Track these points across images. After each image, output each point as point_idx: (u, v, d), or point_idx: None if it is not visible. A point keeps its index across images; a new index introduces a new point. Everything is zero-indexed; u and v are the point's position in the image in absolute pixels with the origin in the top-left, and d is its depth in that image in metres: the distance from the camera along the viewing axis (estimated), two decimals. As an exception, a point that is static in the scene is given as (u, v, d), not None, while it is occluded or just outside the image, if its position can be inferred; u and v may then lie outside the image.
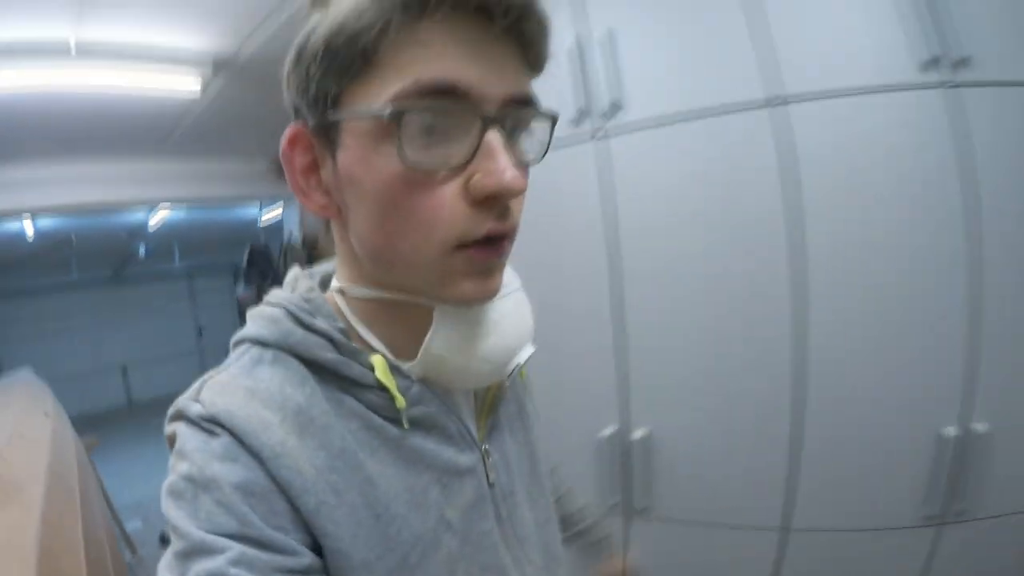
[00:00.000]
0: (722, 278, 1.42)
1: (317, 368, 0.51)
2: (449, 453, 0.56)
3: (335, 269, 0.59)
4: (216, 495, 0.43)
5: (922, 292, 1.32)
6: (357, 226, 0.49)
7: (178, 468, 0.45)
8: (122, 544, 2.70)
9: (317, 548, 0.46)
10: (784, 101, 1.34)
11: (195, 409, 0.47)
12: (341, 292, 0.56)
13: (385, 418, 0.52)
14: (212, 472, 0.44)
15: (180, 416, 0.48)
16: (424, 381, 0.54)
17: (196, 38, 2.04)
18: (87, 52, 1.98)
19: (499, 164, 0.43)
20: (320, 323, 0.52)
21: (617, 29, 1.46)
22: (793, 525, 1.42)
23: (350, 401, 0.51)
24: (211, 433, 0.46)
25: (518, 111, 0.46)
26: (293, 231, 4.73)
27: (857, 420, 1.36)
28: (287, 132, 0.49)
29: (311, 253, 4.23)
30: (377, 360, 0.52)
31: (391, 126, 0.43)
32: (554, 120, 0.50)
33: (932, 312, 1.32)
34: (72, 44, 1.97)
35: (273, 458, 0.45)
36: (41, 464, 1.70)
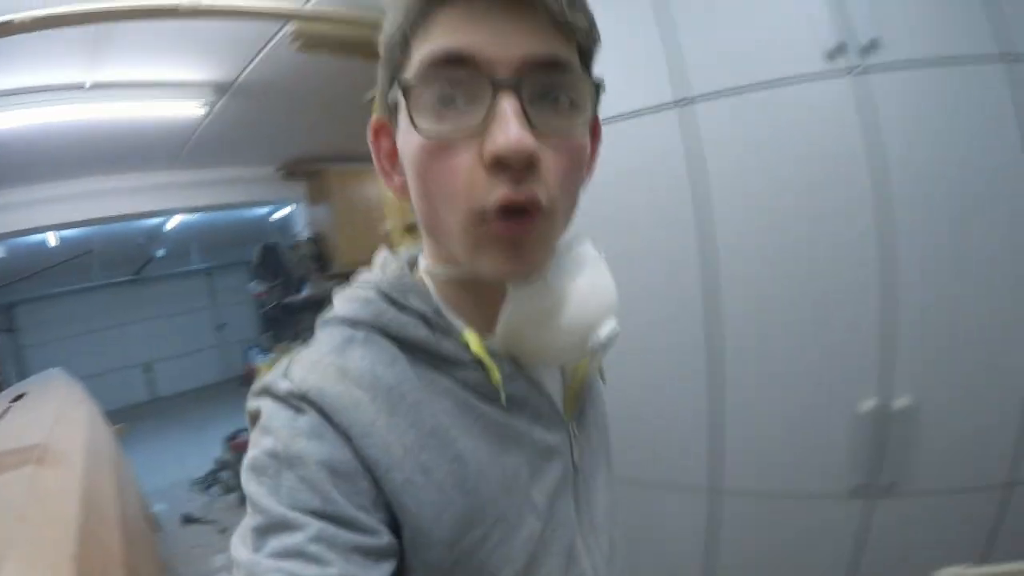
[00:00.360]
0: (639, 264, 1.52)
1: (409, 347, 0.51)
2: (539, 432, 0.56)
3: (421, 251, 0.59)
4: (300, 471, 0.43)
5: (835, 273, 1.37)
6: (413, 199, 0.51)
7: (262, 443, 0.45)
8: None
9: (396, 528, 0.46)
10: (691, 101, 1.42)
11: (283, 386, 0.47)
12: (428, 272, 0.57)
13: (479, 395, 0.52)
14: (298, 448, 0.44)
15: (266, 392, 0.48)
16: (511, 359, 0.54)
17: (197, 70, 2.31)
18: (101, 88, 2.25)
19: (504, 127, 0.42)
20: (413, 302, 0.52)
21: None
22: (725, 487, 1.52)
23: (444, 380, 0.52)
24: (298, 410, 0.46)
25: (541, 75, 0.44)
26: (302, 230, 4.94)
27: (776, 396, 1.45)
28: (372, 122, 0.54)
29: (319, 250, 4.46)
30: (471, 337, 0.52)
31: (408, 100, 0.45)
32: (596, 86, 0.48)
33: (846, 292, 1.37)
34: (87, 83, 2.23)
35: (362, 436, 0.45)
36: (81, 440, 1.97)
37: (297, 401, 0.46)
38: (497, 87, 0.43)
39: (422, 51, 0.45)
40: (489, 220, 0.45)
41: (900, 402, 1.36)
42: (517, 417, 0.54)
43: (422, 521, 0.47)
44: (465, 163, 0.45)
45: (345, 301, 0.55)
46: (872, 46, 1.30)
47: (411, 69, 0.46)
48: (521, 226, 0.46)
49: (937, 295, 1.34)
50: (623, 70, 1.46)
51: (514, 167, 0.43)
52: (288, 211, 5.61)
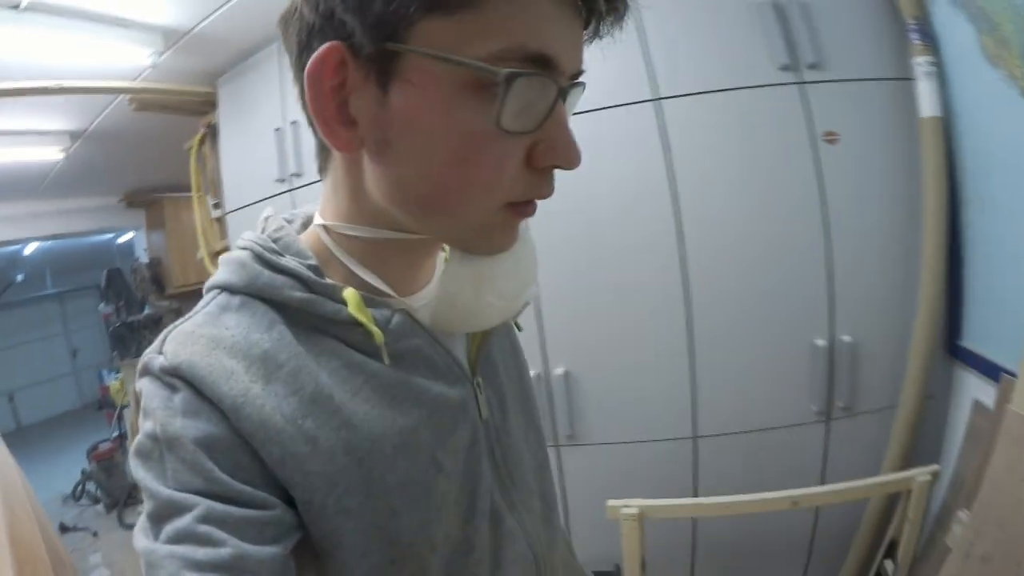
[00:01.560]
0: (621, 243, 1.61)
1: (287, 310, 0.48)
2: (438, 387, 0.52)
3: (319, 207, 0.54)
4: (180, 453, 0.41)
5: (786, 233, 1.54)
6: (401, 169, 0.44)
7: (143, 427, 0.44)
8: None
9: (290, 499, 0.44)
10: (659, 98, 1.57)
11: (158, 362, 0.44)
12: (325, 229, 0.51)
13: (366, 354, 0.49)
14: (174, 429, 0.42)
15: (145, 371, 0.45)
16: (408, 313, 0.51)
17: (57, 121, 3.12)
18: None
19: (568, 138, 0.43)
20: (287, 262, 0.48)
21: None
22: (699, 433, 1.64)
23: (327, 340, 0.48)
24: (173, 388, 0.43)
25: (575, 85, 0.46)
26: (142, 254, 5.11)
27: (742, 338, 1.58)
28: (321, 50, 0.41)
29: (155, 272, 4.61)
30: (350, 295, 0.48)
31: (491, 85, 0.39)
32: (582, 89, 0.48)
33: (794, 248, 1.54)
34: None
35: (236, 409, 0.42)
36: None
37: (170, 378, 0.43)
38: (561, 94, 0.43)
39: (511, 31, 0.39)
40: (516, 206, 0.46)
41: (844, 338, 1.54)
42: (412, 374, 0.51)
43: (313, 494, 0.44)
44: (515, 158, 0.43)
45: (223, 265, 0.50)
46: (816, 66, 1.52)
47: (484, 38, 0.39)
48: (533, 211, 0.47)
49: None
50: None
51: (567, 171, 0.45)
52: (131, 236, 5.87)
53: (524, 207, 0.46)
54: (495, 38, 0.39)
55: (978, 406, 1.40)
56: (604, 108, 1.60)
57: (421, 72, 0.41)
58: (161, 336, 0.47)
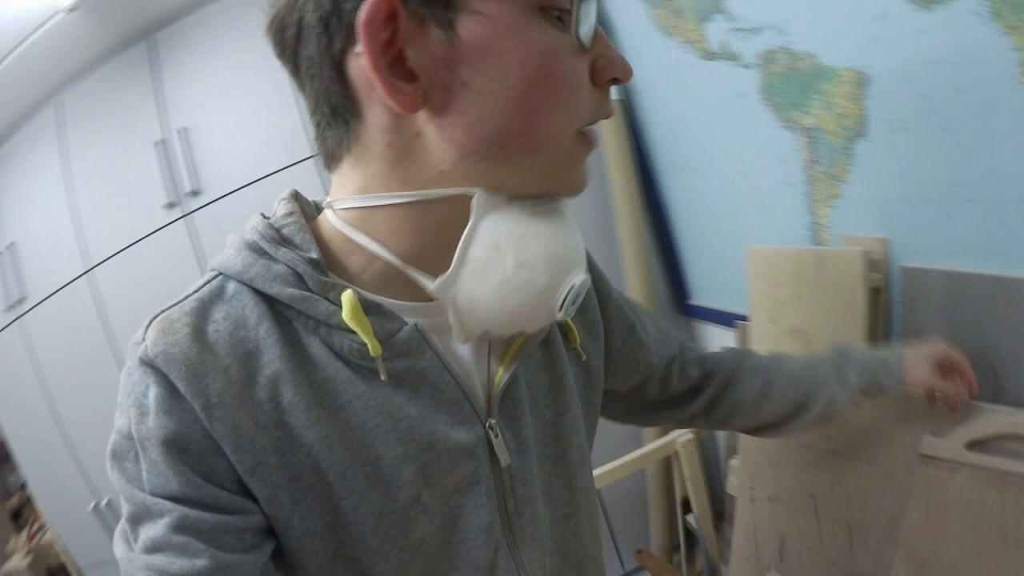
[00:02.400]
0: None
1: (277, 305, 0.44)
2: (439, 423, 0.46)
3: (331, 195, 0.48)
4: (153, 454, 0.39)
5: None
6: (479, 107, 0.40)
7: (117, 423, 0.42)
8: None
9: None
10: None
11: (139, 350, 0.41)
12: (344, 211, 0.46)
13: (359, 368, 0.44)
14: (147, 428, 0.40)
15: (129, 358, 0.43)
16: (419, 328, 0.46)
17: None
18: None
19: (618, 52, 0.43)
20: (284, 253, 0.44)
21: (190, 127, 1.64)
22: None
23: (316, 346, 0.44)
24: (148, 382, 0.41)
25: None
26: None
27: None
28: (371, 2, 0.37)
29: None
30: (347, 298, 0.43)
31: (552, 7, 0.39)
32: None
33: None
34: None
35: (207, 408, 0.40)
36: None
37: (146, 369, 0.41)
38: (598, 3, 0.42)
39: None
40: (583, 134, 0.44)
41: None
42: (410, 400, 0.45)
43: (279, 510, 0.42)
44: (585, 75, 0.42)
45: (228, 246, 0.47)
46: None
47: None
48: (595, 142, 0.46)
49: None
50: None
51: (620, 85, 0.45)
52: None
53: (589, 138, 0.44)
54: None
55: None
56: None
57: (487, 1, 0.39)
58: (149, 318, 0.43)
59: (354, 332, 0.43)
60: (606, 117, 0.45)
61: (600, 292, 0.64)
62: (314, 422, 0.42)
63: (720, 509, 1.43)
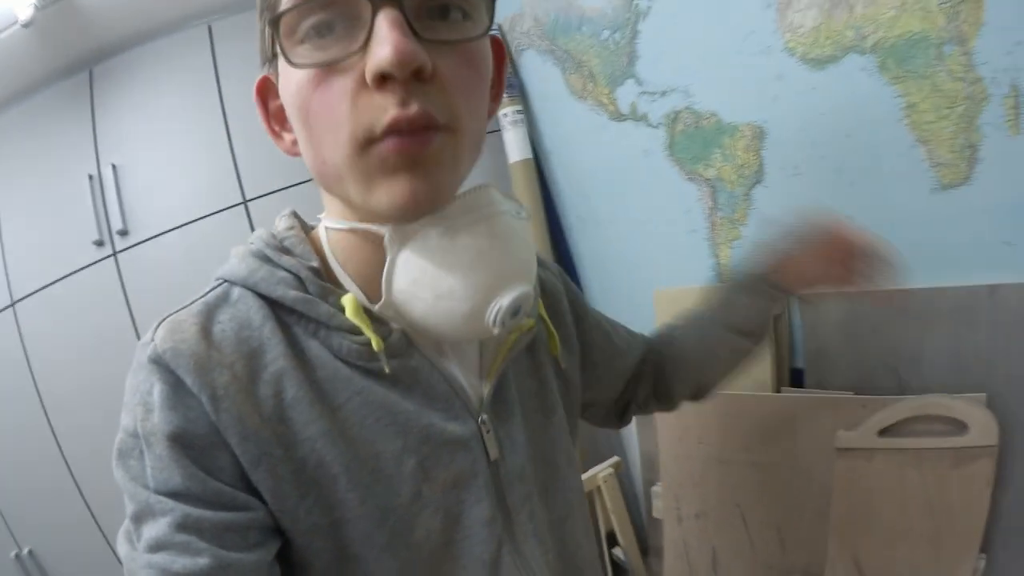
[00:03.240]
0: None
1: (282, 310, 0.47)
2: (434, 417, 0.49)
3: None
4: (158, 449, 0.40)
5: None
6: (302, 152, 0.46)
7: (123, 423, 0.43)
8: None
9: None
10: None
11: (148, 350, 0.43)
12: (326, 229, 0.51)
13: (359, 368, 0.47)
14: (152, 424, 0.41)
15: (135, 359, 0.44)
16: (403, 333, 0.48)
17: None
18: None
19: (383, 42, 0.37)
20: (287, 260, 0.48)
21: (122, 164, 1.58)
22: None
23: (318, 347, 0.46)
24: (154, 379, 0.42)
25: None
26: None
27: None
28: (256, 83, 0.48)
29: None
30: (348, 300, 0.46)
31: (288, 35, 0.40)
32: None
33: None
34: None
35: (214, 400, 0.41)
36: None
37: (153, 367, 0.42)
38: (376, 5, 0.38)
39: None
40: (378, 144, 0.40)
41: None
42: (406, 397, 0.48)
43: (285, 502, 0.43)
44: (348, 88, 0.39)
45: (232, 256, 0.50)
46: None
47: (283, 3, 0.40)
48: (416, 142, 0.40)
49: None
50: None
51: (400, 79, 0.38)
52: None
53: (394, 140, 0.40)
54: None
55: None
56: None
57: (279, 64, 0.44)
58: (157, 322, 0.45)
59: (351, 334, 0.46)
60: (395, 122, 0.39)
61: (576, 309, 0.69)
62: (316, 417, 0.44)
63: (644, 542, 1.45)
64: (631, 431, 1.62)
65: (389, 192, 0.41)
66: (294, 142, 0.47)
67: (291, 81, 0.42)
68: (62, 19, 1.48)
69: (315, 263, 0.48)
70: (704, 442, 1.08)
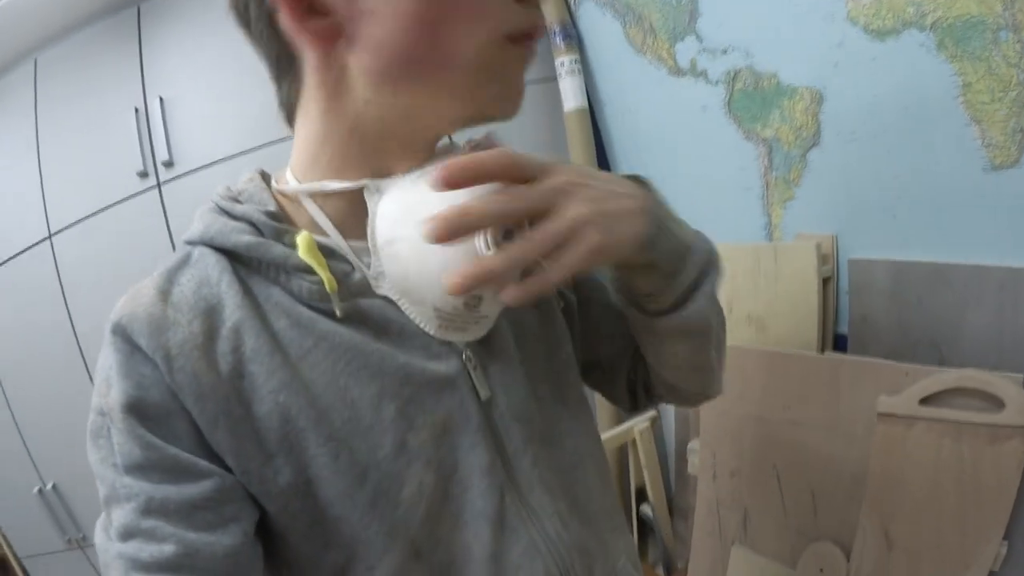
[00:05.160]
0: None
1: (238, 259, 0.44)
2: (411, 356, 0.45)
3: (291, 162, 0.49)
4: (118, 422, 0.39)
5: None
6: (385, 29, 0.40)
7: (92, 403, 0.42)
8: None
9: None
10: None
11: (111, 322, 0.42)
12: (298, 179, 0.47)
13: (320, 311, 0.43)
14: (112, 397, 0.40)
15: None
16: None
17: None
18: None
19: None
20: (241, 208, 0.45)
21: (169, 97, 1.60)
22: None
23: (277, 293, 0.43)
24: (111, 352, 0.41)
25: None
26: None
27: None
28: None
29: None
30: (302, 238, 0.43)
31: None
32: None
33: None
34: None
35: (167, 360, 0.39)
36: None
37: (112, 338, 0.41)
38: None
39: None
40: (514, 45, 0.42)
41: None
42: (376, 338, 0.44)
43: (250, 462, 0.40)
44: None
45: (195, 219, 0.47)
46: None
47: None
48: (533, 48, 0.44)
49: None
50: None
51: None
52: None
53: (523, 46, 0.43)
54: None
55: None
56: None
57: None
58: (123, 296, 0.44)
59: (312, 274, 0.43)
60: (532, 30, 0.43)
61: None
62: (278, 366, 0.41)
63: (671, 502, 1.49)
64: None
65: (507, 88, 0.44)
66: (328, 29, 0.41)
67: None
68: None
69: (271, 207, 0.46)
70: (745, 398, 1.13)
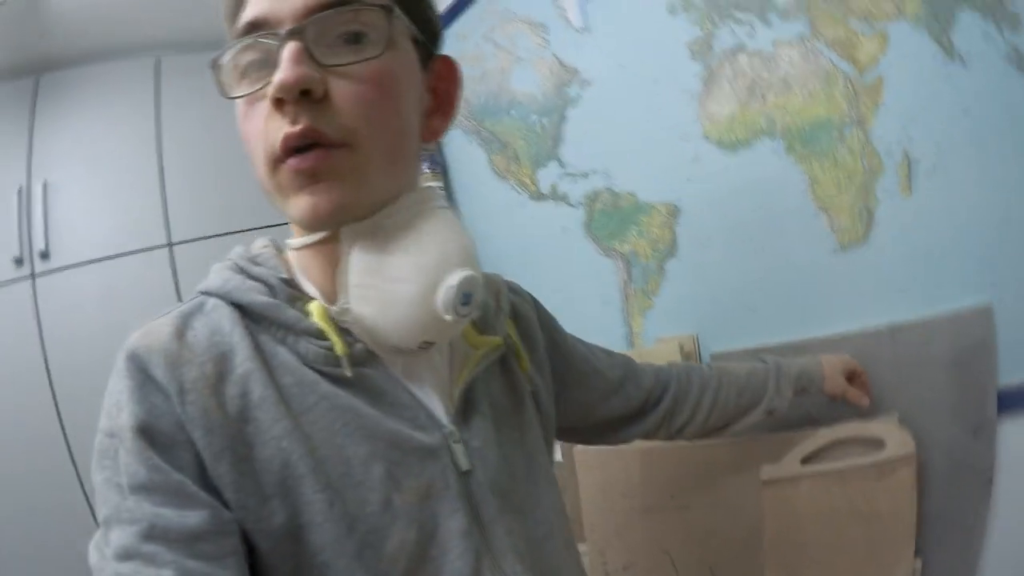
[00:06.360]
0: None
1: (252, 315, 0.49)
2: (401, 425, 0.49)
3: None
4: (127, 443, 0.41)
5: None
6: None
7: (100, 424, 0.44)
8: None
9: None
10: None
11: (124, 353, 0.45)
12: (288, 244, 0.54)
13: (324, 374, 0.48)
14: (122, 419, 0.42)
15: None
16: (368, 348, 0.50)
17: None
18: None
19: (279, 70, 0.43)
20: (259, 270, 0.51)
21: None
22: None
23: (285, 353, 0.48)
24: (125, 375, 0.44)
25: (323, 16, 0.45)
26: None
27: None
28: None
29: None
30: (315, 306, 0.49)
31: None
32: (384, 7, 0.47)
33: None
34: None
35: (181, 392, 0.43)
36: None
37: (126, 365, 0.44)
38: (283, 39, 0.44)
39: (231, 34, 0.48)
40: (282, 163, 0.46)
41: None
42: (371, 405, 0.49)
43: (249, 499, 0.43)
44: (262, 113, 0.46)
45: (211, 272, 0.53)
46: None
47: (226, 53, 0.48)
48: (309, 160, 0.45)
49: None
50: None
51: (289, 100, 0.44)
52: None
53: (294, 157, 0.45)
54: (231, 34, 0.49)
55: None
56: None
57: None
58: (136, 330, 0.47)
59: (318, 339, 0.48)
60: (287, 137, 0.45)
61: (551, 335, 0.73)
62: (282, 416, 0.45)
63: None
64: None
65: (296, 206, 0.47)
66: None
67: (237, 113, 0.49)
68: (23, 16, 1.41)
69: (284, 275, 0.52)
70: (628, 495, 1.07)
